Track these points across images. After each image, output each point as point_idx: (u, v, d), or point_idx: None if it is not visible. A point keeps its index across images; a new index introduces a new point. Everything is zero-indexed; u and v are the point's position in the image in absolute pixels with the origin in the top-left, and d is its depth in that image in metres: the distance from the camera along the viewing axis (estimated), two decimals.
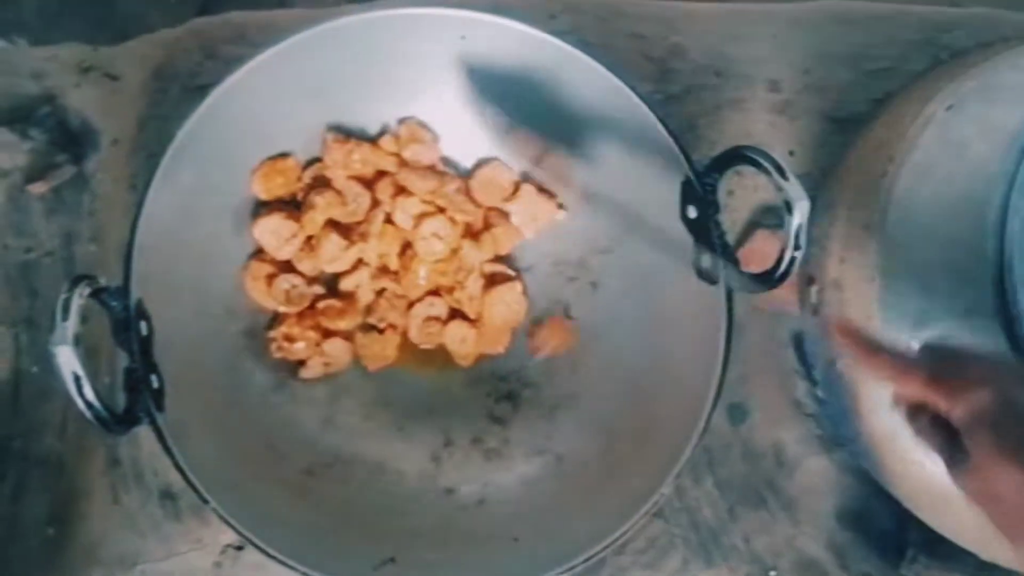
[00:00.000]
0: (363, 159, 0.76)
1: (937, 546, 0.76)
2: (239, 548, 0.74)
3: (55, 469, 0.75)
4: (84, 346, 0.55)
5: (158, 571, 0.73)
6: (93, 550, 0.73)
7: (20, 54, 0.86)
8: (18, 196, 0.81)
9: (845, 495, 0.79)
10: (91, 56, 0.85)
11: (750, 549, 0.78)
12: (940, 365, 0.56)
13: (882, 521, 0.78)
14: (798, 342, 0.81)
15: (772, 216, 0.83)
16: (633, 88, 0.69)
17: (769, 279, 0.64)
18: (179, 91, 0.82)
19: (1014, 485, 0.50)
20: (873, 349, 0.60)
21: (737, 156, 0.65)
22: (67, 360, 0.54)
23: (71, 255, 0.80)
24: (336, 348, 0.77)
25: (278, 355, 0.76)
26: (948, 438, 0.54)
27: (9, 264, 0.80)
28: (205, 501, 0.60)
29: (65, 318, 0.55)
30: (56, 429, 0.76)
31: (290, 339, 0.76)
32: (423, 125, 0.78)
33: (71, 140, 0.82)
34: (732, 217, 0.82)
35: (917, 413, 0.56)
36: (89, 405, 0.56)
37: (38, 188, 0.81)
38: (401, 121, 0.78)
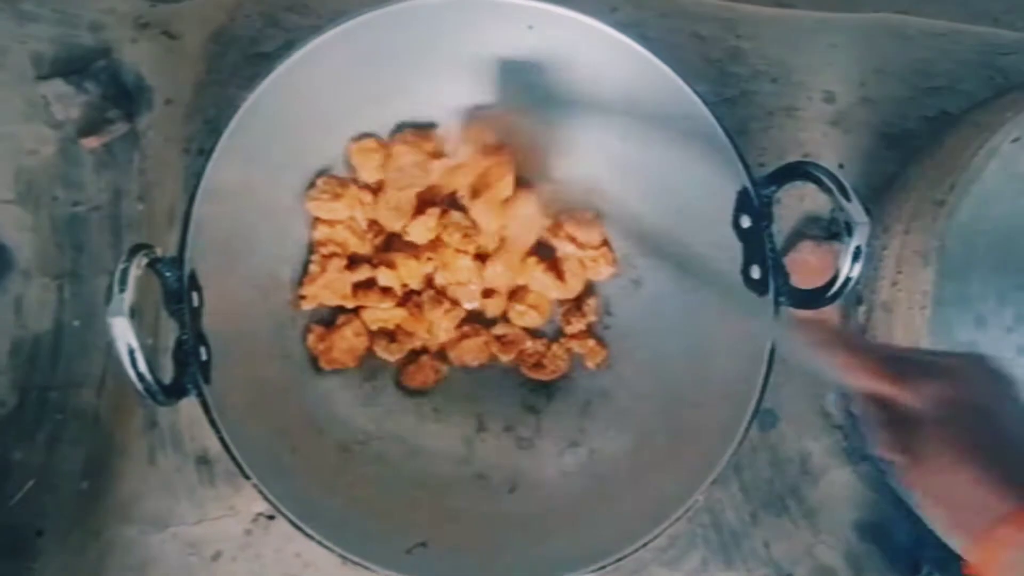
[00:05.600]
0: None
1: (952, 564, 0.77)
2: (271, 517, 0.75)
3: (91, 424, 0.76)
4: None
5: (190, 534, 0.74)
6: (127, 508, 0.74)
7: (78, 4, 0.85)
8: (70, 149, 0.81)
9: (865, 508, 0.80)
10: (149, 12, 0.84)
11: (769, 554, 0.79)
12: (902, 360, 0.53)
13: (899, 536, 0.79)
14: None
15: (817, 226, 0.83)
16: (694, 89, 0.69)
17: (820, 297, 0.64)
18: (238, 57, 0.82)
19: (967, 482, 0.48)
20: (836, 338, 0.55)
21: (799, 172, 0.65)
22: (122, 332, 0.55)
23: (118, 212, 0.80)
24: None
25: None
26: (902, 435, 0.51)
27: (57, 216, 0.80)
28: (247, 477, 0.61)
29: (122, 289, 0.55)
30: (95, 385, 0.77)
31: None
32: None
33: (125, 96, 0.82)
34: (777, 225, 0.81)
35: (874, 407, 0.53)
36: (141, 377, 0.56)
37: (90, 142, 0.80)
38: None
